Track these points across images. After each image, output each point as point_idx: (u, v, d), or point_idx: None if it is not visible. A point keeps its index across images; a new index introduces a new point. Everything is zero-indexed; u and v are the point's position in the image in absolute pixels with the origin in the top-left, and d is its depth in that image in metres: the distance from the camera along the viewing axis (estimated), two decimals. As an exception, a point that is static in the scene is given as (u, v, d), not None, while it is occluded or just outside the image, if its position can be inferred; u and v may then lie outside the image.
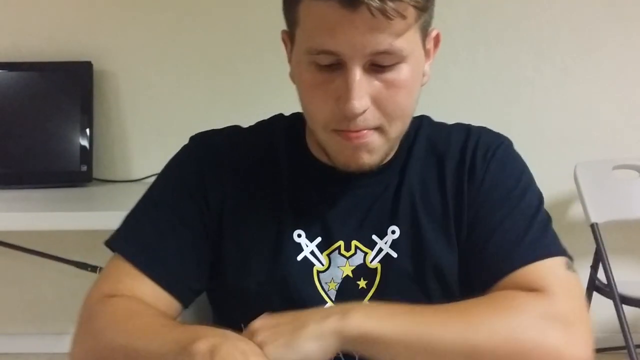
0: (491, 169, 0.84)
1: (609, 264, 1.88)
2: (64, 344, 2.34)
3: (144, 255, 0.82)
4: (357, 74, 0.71)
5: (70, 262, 2.07)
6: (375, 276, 0.82)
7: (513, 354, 0.70)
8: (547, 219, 0.83)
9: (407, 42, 0.72)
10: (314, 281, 0.82)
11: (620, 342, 1.85)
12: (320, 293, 0.82)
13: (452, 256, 0.83)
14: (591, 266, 2.00)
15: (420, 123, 0.89)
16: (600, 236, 1.91)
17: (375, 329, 0.68)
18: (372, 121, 0.74)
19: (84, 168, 2.15)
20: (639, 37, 2.17)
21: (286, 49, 0.82)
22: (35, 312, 2.39)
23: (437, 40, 0.82)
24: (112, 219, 1.71)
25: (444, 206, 0.84)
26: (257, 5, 2.14)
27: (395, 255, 0.82)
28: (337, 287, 0.82)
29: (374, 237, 0.83)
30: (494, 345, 0.69)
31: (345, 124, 0.74)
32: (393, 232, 0.83)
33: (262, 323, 0.70)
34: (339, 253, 0.83)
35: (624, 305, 1.85)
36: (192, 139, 0.91)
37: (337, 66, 0.73)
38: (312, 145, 0.87)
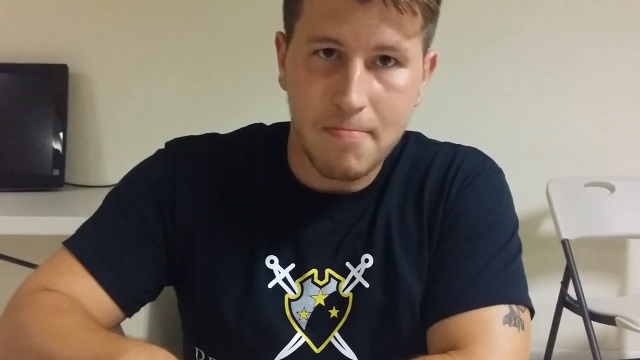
0: (463, 199, 0.80)
1: (579, 280, 1.89)
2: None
3: (93, 254, 0.78)
4: (359, 68, 0.68)
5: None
6: (347, 305, 0.79)
7: None
8: (513, 256, 0.79)
9: (412, 46, 0.71)
10: (284, 310, 0.79)
11: (589, 358, 1.86)
12: (290, 323, 0.79)
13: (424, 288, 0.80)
14: (562, 282, 2.02)
15: (407, 142, 0.85)
16: (571, 252, 1.92)
17: None
18: (366, 123, 0.70)
19: (56, 172, 2.11)
20: (613, 55, 2.21)
21: (278, 51, 0.79)
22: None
23: (433, 62, 0.81)
24: (81, 224, 1.71)
25: (420, 234, 0.80)
26: (236, 10, 2.13)
27: (367, 285, 0.79)
28: (308, 316, 0.79)
29: (348, 264, 0.80)
30: None
31: (338, 121, 0.70)
32: (367, 260, 0.80)
33: None
34: (312, 281, 0.80)
35: (593, 322, 1.86)
36: (168, 145, 0.87)
37: (337, 60, 0.70)
38: (293, 162, 0.83)
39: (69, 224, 1.66)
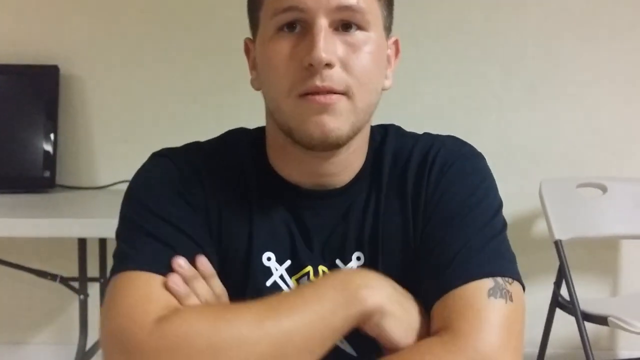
0: (444, 182, 0.81)
1: (572, 281, 1.89)
2: (20, 354, 2.29)
3: (166, 262, 0.73)
4: (323, 27, 0.72)
5: (29, 270, 2.02)
6: None
7: None
8: (497, 231, 0.78)
9: (371, 10, 0.75)
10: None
11: (582, 358, 1.86)
12: None
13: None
14: (554, 283, 2.02)
15: (386, 134, 0.86)
16: (564, 253, 1.92)
17: None
18: (338, 81, 0.73)
19: (47, 174, 2.10)
20: (605, 56, 2.21)
21: (249, 57, 0.82)
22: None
23: (397, 48, 0.82)
24: (73, 226, 1.71)
25: (405, 223, 0.81)
26: (226, 11, 2.12)
27: None
28: None
29: (338, 261, 0.80)
30: None
31: (311, 83, 0.72)
32: (358, 258, 0.80)
33: None
34: (308, 279, 0.80)
35: (585, 322, 1.86)
36: (158, 154, 0.84)
37: (301, 31, 0.73)
38: (275, 161, 0.83)
39: (59, 226, 1.67)
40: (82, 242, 2.02)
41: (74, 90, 2.22)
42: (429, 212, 0.80)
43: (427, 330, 0.73)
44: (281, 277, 0.80)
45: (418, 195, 0.81)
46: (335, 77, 0.72)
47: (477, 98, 2.24)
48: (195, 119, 2.21)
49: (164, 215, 0.76)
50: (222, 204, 0.80)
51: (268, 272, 0.80)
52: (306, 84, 0.72)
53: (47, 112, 2.13)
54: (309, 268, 0.80)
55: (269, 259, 0.80)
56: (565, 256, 1.92)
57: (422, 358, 0.69)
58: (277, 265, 0.80)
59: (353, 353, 0.80)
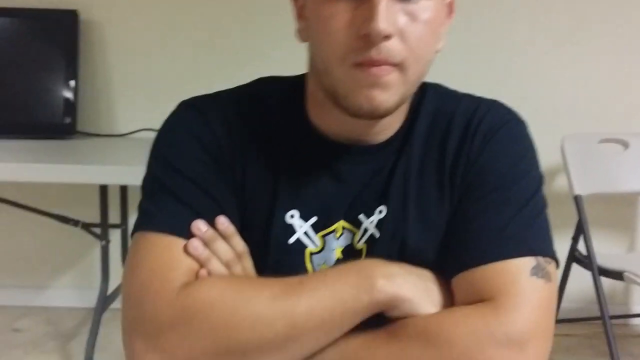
0: (488, 151, 0.79)
1: (589, 236, 1.90)
2: (43, 298, 2.35)
3: (188, 225, 0.73)
4: None
5: (52, 215, 2.05)
6: (360, 258, 0.79)
7: None
8: (539, 210, 0.78)
9: None
10: (305, 264, 0.79)
11: (596, 312, 1.87)
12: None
13: (437, 243, 0.79)
14: (572, 237, 2.02)
15: (425, 94, 0.83)
16: (583, 208, 1.92)
17: None
18: (395, 53, 0.69)
19: (68, 120, 2.11)
20: (631, 10, 2.16)
21: (296, 3, 0.78)
22: (14, 264, 2.38)
23: (450, 9, 0.79)
24: (94, 173, 1.73)
25: (440, 189, 0.79)
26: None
27: (378, 235, 0.79)
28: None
29: (362, 216, 0.79)
30: None
31: (367, 54, 0.68)
32: (380, 212, 0.79)
33: None
34: (334, 234, 0.79)
35: (601, 277, 1.87)
36: (185, 103, 0.82)
37: None
38: (312, 113, 0.81)
39: (81, 172, 1.69)
40: (103, 189, 2.04)
41: (94, 36, 2.21)
42: (469, 179, 0.78)
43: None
44: (306, 233, 0.79)
45: (458, 159, 0.79)
46: (392, 49, 0.69)
47: (502, 50, 2.20)
48: (217, 66, 2.19)
49: (187, 174, 0.76)
50: (248, 159, 0.79)
51: (290, 230, 0.79)
52: (361, 54, 0.69)
53: (67, 59, 2.13)
54: (336, 223, 0.79)
55: (292, 216, 0.79)
56: (584, 211, 1.92)
57: (456, 325, 0.70)
58: (302, 222, 0.79)
59: None
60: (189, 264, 0.71)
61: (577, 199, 1.93)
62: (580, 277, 2.02)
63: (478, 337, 0.68)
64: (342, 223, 0.79)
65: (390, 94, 0.71)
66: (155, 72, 2.23)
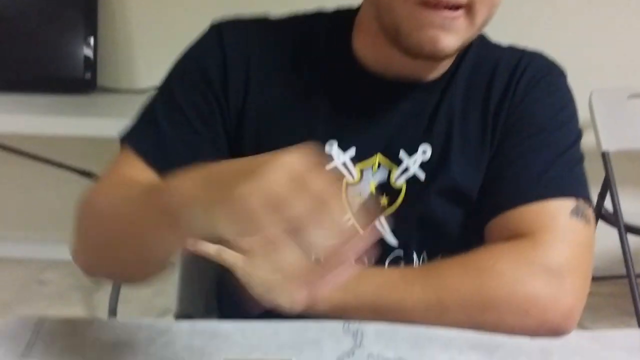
0: (531, 96, 0.80)
1: (616, 193, 1.87)
2: (63, 251, 2.37)
3: (156, 151, 0.76)
4: None
5: (72, 169, 2.06)
6: (398, 196, 0.79)
7: (484, 307, 0.68)
8: (578, 158, 0.79)
9: None
10: (340, 194, 0.78)
11: (622, 271, 1.85)
12: (345, 207, 0.78)
13: (479, 184, 0.79)
14: (599, 194, 1.99)
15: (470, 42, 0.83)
16: (610, 165, 1.89)
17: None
18: None
19: (88, 76, 2.11)
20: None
21: None
22: (35, 218, 2.41)
23: None
24: (114, 127, 1.70)
25: (483, 132, 0.79)
26: None
27: (422, 177, 0.78)
28: (361, 201, 0.79)
29: (403, 153, 0.79)
30: (462, 299, 0.68)
31: None
32: (424, 152, 0.79)
33: None
34: (371, 167, 0.79)
35: (628, 235, 1.84)
36: (214, 26, 0.83)
37: None
38: (360, 47, 0.80)
39: (101, 126, 1.69)
40: (124, 144, 2.04)
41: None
42: (511, 123, 0.79)
43: None
44: (344, 164, 0.78)
45: (501, 104, 0.80)
46: None
47: (530, 4, 2.14)
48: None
49: (182, 104, 0.78)
50: (275, 85, 0.79)
51: (329, 159, 0.78)
52: None
53: (86, 13, 2.11)
54: (374, 157, 0.79)
55: (330, 146, 0.78)
56: (611, 168, 1.89)
57: (496, 256, 0.71)
58: (340, 153, 0.78)
59: (394, 242, 0.79)
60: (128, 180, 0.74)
61: (604, 156, 1.89)
62: (606, 235, 1.98)
63: (517, 267, 0.69)
64: (379, 157, 0.79)
65: (456, 37, 0.70)
66: (176, 26, 2.20)
